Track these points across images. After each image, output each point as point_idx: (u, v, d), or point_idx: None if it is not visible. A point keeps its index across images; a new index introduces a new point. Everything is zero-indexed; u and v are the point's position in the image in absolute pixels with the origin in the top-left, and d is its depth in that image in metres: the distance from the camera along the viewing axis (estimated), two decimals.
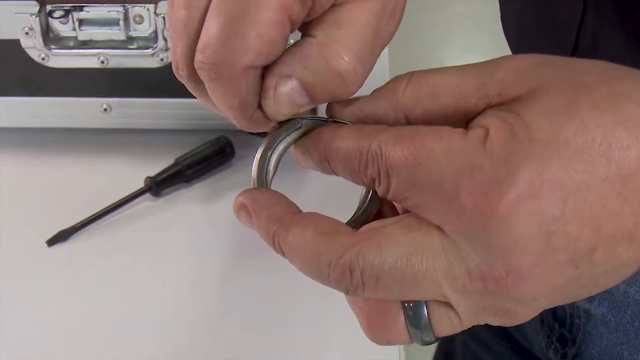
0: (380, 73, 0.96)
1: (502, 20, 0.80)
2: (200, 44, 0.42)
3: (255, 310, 0.74)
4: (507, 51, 0.82)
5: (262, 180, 0.46)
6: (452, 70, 0.42)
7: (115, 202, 0.82)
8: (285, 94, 0.43)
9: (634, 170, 0.37)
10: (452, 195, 0.38)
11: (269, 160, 0.46)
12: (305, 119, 0.45)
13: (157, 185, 0.84)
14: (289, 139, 0.45)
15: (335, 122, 0.44)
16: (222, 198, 0.84)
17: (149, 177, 0.84)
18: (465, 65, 0.42)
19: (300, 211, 0.44)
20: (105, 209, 0.81)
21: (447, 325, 0.42)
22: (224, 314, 0.74)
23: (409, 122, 0.42)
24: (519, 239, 0.37)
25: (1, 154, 0.88)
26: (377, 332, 0.44)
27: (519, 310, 0.40)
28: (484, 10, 2.99)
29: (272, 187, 0.46)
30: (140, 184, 0.83)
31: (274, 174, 0.46)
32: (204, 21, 0.42)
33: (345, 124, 0.44)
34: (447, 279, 0.39)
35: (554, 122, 0.37)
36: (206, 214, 0.83)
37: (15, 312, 0.74)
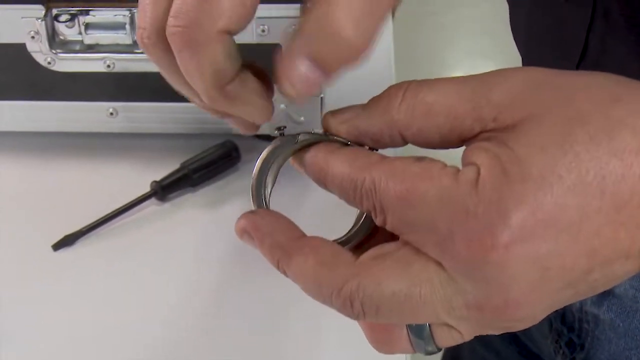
0: (387, 76, 0.96)
1: (511, 25, 0.80)
2: (173, 9, 0.42)
3: (260, 315, 0.74)
4: (511, 54, 0.81)
5: (260, 197, 0.47)
6: (447, 87, 0.41)
7: (121, 207, 0.81)
8: (298, 75, 0.42)
9: (629, 198, 0.37)
10: (446, 239, 0.38)
11: (266, 176, 0.46)
12: (301, 133, 0.45)
13: (163, 190, 0.83)
14: (285, 155, 0.46)
15: (330, 139, 0.44)
16: (228, 203, 0.84)
17: (154, 182, 0.83)
18: (462, 80, 0.41)
19: (302, 234, 0.44)
20: (111, 213, 0.81)
21: (448, 339, 0.42)
22: (229, 318, 0.74)
23: (404, 139, 0.43)
24: (515, 276, 0.38)
25: (7, 158, 0.88)
26: (381, 344, 0.45)
27: (519, 325, 0.41)
28: (489, 13, 3.00)
29: (275, 188, 0.47)
30: (146, 189, 0.83)
31: (272, 187, 0.47)
32: None
33: (341, 141, 0.44)
34: (445, 309, 0.40)
35: (548, 158, 0.37)
36: (212, 218, 0.83)
37: (21, 316, 0.74)
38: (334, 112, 0.44)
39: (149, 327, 0.73)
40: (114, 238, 0.80)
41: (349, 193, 0.42)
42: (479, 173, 0.38)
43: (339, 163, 0.43)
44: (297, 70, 0.42)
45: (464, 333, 0.41)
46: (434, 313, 0.40)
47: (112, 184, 0.86)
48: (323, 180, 0.44)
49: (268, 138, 0.87)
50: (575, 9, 0.65)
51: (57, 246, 0.79)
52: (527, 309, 0.39)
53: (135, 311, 0.74)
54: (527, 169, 0.37)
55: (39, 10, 0.79)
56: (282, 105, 0.83)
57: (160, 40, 0.43)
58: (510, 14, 0.80)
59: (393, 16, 1.17)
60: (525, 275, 0.38)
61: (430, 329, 0.42)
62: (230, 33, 0.42)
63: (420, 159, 0.40)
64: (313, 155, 0.44)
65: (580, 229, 0.37)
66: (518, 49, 0.80)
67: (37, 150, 0.89)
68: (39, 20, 0.79)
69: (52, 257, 0.79)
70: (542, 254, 0.37)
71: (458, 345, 1.14)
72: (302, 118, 0.83)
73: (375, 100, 0.43)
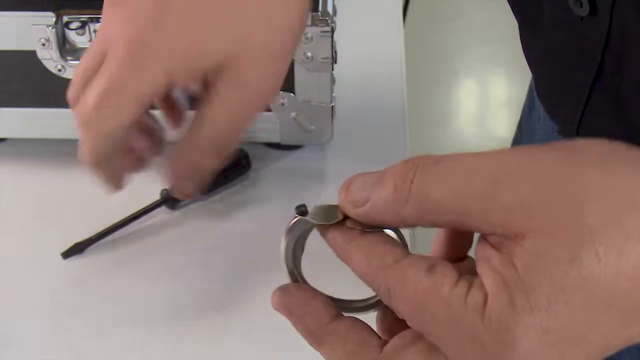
0: (397, 83, 0.95)
1: (521, 41, 0.79)
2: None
3: (270, 325, 0.74)
4: (521, 61, 0.81)
5: (293, 272, 0.49)
6: (456, 182, 0.40)
7: (131, 215, 0.81)
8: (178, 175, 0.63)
9: (636, 313, 0.38)
10: (457, 354, 0.40)
11: (293, 253, 0.48)
12: (317, 212, 0.46)
13: (173, 198, 0.83)
14: (305, 234, 0.48)
15: (347, 222, 0.45)
16: (238, 211, 0.84)
17: (164, 190, 0.83)
18: (471, 172, 0.40)
19: (332, 316, 0.46)
20: (120, 221, 0.81)
21: None
22: (239, 327, 0.74)
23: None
24: None
25: (17, 165, 0.88)
26: None
27: None
28: (499, 20, 2.99)
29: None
30: (156, 196, 0.83)
31: (302, 254, 0.49)
32: None
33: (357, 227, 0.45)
34: None
35: (555, 284, 0.38)
36: (222, 227, 0.82)
37: (30, 325, 0.74)
38: (347, 192, 0.44)
39: (157, 336, 0.73)
40: (123, 246, 0.80)
41: (370, 284, 0.44)
42: (485, 299, 0.39)
43: (355, 258, 0.44)
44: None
45: None
46: None
47: (122, 191, 0.85)
48: (346, 263, 0.45)
49: (278, 146, 0.87)
50: (592, 26, 0.65)
51: (67, 254, 0.79)
52: None
53: (145, 320, 0.74)
54: (534, 297, 0.38)
55: (49, 17, 0.79)
56: (293, 114, 0.82)
57: None
58: (520, 31, 0.79)
59: (404, 21, 1.16)
60: None
61: None
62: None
63: (431, 268, 0.41)
64: (332, 241, 0.45)
65: (588, 341, 0.39)
66: (529, 65, 0.80)
67: (47, 157, 0.88)
68: (50, 27, 0.79)
69: (61, 265, 0.79)
70: None
71: None
72: (312, 127, 0.83)
73: (383, 190, 0.42)
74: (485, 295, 0.39)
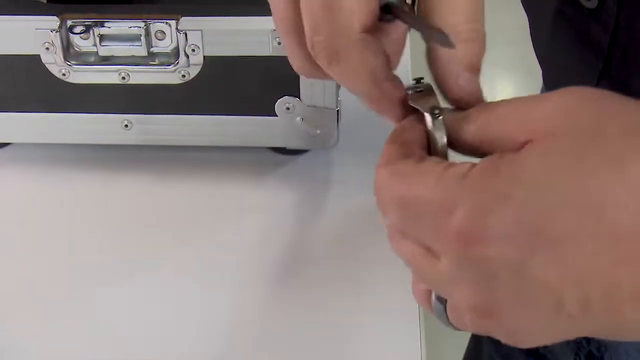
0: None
1: (532, 37, 0.79)
2: (308, 28, 0.44)
3: (274, 331, 0.73)
4: (530, 64, 0.81)
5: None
6: (510, 103, 0.42)
7: None
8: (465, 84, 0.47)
9: (630, 232, 0.35)
10: (434, 239, 0.40)
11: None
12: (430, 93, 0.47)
13: None
14: None
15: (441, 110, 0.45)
16: (243, 216, 0.83)
17: None
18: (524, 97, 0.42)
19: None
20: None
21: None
22: (242, 333, 0.73)
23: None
24: (494, 279, 0.38)
25: (20, 170, 0.88)
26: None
27: (513, 339, 0.41)
28: (505, 23, 2.98)
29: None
30: (158, 202, 0.82)
31: None
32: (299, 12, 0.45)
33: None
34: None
35: (550, 167, 0.37)
36: (227, 232, 0.81)
37: (28, 328, 0.73)
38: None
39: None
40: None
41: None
42: (470, 169, 0.38)
43: (385, 148, 0.45)
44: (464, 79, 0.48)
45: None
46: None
47: (126, 196, 0.85)
48: None
49: (283, 151, 0.87)
50: (599, 19, 0.65)
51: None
52: (511, 322, 0.39)
53: (143, 326, 0.74)
54: (524, 172, 0.37)
55: (53, 21, 0.79)
56: (299, 118, 0.82)
57: (312, 63, 0.46)
58: (530, 27, 0.79)
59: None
60: (505, 283, 0.37)
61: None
62: (370, 32, 0.44)
63: (420, 159, 0.42)
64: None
65: (566, 249, 0.36)
66: (538, 60, 0.80)
67: (51, 162, 0.88)
68: (54, 31, 0.79)
69: (63, 269, 0.78)
70: (522, 261, 0.37)
71: (477, 358, 1.13)
72: (318, 131, 0.83)
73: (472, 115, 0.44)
74: (472, 166, 0.39)
